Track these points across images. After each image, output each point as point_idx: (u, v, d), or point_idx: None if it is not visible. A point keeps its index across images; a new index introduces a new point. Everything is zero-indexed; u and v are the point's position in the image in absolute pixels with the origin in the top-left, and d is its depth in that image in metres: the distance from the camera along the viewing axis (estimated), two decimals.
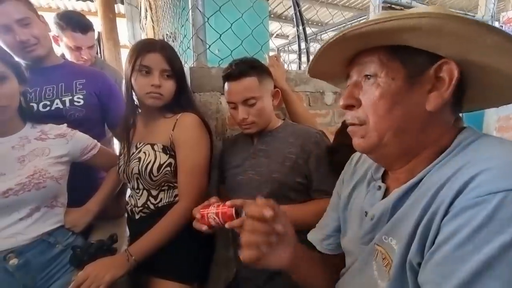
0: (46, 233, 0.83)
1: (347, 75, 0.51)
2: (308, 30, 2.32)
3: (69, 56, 1.45)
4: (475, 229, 0.32)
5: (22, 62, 0.98)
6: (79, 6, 3.47)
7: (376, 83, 0.43)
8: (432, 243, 0.36)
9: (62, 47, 1.47)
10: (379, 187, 0.52)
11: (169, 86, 0.88)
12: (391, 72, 0.43)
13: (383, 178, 0.54)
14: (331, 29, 3.01)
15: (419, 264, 0.38)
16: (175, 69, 0.88)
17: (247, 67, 0.83)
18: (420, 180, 0.42)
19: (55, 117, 1.00)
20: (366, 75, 0.45)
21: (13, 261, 0.77)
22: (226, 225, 0.65)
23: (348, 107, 0.48)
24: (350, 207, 0.60)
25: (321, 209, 0.77)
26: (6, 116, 0.80)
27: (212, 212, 0.69)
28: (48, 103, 1.04)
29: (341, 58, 0.49)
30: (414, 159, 0.46)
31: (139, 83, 0.85)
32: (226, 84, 0.87)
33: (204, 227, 0.70)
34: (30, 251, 0.80)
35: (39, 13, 1.07)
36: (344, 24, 2.63)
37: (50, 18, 1.27)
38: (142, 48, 0.85)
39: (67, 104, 1.06)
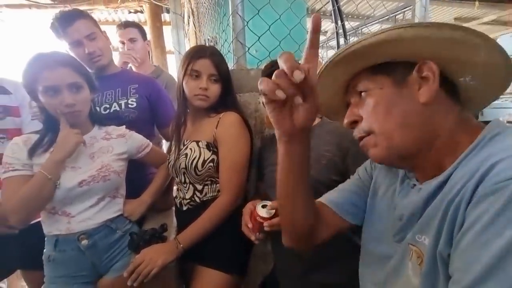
0: (109, 219, 0.96)
1: (347, 105, 0.56)
2: (347, 25, 2.25)
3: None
4: (495, 215, 0.33)
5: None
6: (131, 18, 3.81)
7: (369, 95, 0.49)
8: (459, 232, 0.37)
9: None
10: (413, 186, 0.52)
11: (215, 89, 0.95)
12: (379, 83, 0.49)
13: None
14: (372, 23, 2.86)
15: (449, 255, 0.38)
16: (221, 73, 0.95)
17: None
18: (449, 177, 0.43)
19: (113, 118, 1.14)
20: (360, 92, 0.51)
21: (85, 242, 0.90)
22: (265, 224, 0.75)
23: (352, 123, 0.53)
24: (379, 199, 0.60)
25: None
26: (80, 119, 0.94)
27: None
28: (108, 106, 1.19)
29: (335, 89, 0.56)
30: (434, 152, 0.46)
31: (189, 86, 0.94)
32: None
33: (250, 224, 0.79)
34: (97, 234, 0.93)
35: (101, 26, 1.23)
36: (387, 17, 2.48)
37: (110, 31, 1.44)
38: (194, 54, 0.94)
39: (123, 106, 1.19)
